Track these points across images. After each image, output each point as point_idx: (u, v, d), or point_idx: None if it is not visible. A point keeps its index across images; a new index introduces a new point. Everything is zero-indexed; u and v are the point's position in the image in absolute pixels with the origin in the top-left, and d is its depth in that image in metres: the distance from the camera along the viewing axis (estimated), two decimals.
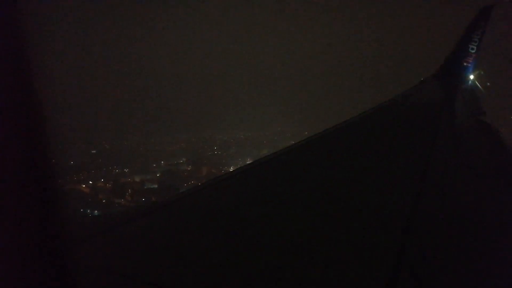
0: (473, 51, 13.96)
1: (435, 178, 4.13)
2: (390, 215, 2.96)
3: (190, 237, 2.63)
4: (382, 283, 2.02)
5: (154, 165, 79.63)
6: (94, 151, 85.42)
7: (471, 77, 14.22)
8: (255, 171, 4.42)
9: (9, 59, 0.84)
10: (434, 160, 4.85)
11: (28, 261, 0.86)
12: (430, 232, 2.74)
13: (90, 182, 68.38)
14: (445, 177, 4.24)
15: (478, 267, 2.41)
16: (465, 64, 14.07)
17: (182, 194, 4.09)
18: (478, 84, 14.08)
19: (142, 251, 2.45)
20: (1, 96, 0.83)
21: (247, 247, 2.44)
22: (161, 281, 2.05)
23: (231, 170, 4.50)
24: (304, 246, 2.45)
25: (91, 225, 3.23)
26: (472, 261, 2.47)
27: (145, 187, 65.02)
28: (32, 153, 0.88)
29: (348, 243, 2.50)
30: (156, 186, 64.81)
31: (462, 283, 2.21)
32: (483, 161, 5.58)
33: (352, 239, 2.55)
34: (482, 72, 14.47)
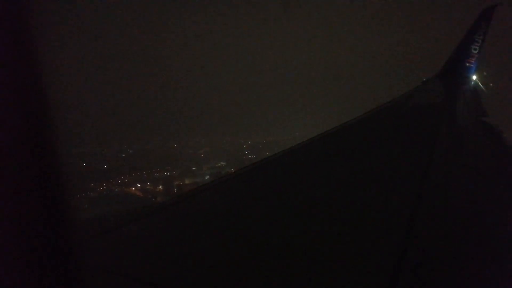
0: (476, 52, 13.94)
1: (437, 178, 4.13)
2: (391, 215, 2.97)
3: (192, 238, 2.64)
4: (384, 284, 2.03)
5: (194, 168, 78.84)
6: (124, 155, 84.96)
7: (474, 77, 14.20)
8: (257, 172, 4.43)
9: (16, 59, 0.85)
10: (435, 160, 4.84)
11: (32, 262, 0.86)
12: (432, 233, 2.74)
13: (138, 185, 67.66)
14: (446, 178, 4.23)
15: (479, 268, 2.41)
16: (467, 64, 14.04)
17: (184, 195, 4.10)
18: (481, 85, 14.06)
19: (143, 251, 2.46)
20: (10, 98, 0.84)
21: (247, 248, 2.45)
22: (162, 282, 2.06)
23: (233, 171, 4.51)
24: (305, 246, 2.45)
25: (92, 226, 3.24)
26: (474, 262, 2.47)
27: None
28: (38, 154, 0.89)
29: (349, 244, 2.50)
30: None
31: (464, 284, 2.21)
32: (485, 162, 5.57)
33: (353, 240, 2.55)
34: (484, 73, 14.45)
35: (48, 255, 0.89)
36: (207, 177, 71.71)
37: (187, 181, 69.78)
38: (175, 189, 63.98)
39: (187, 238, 2.63)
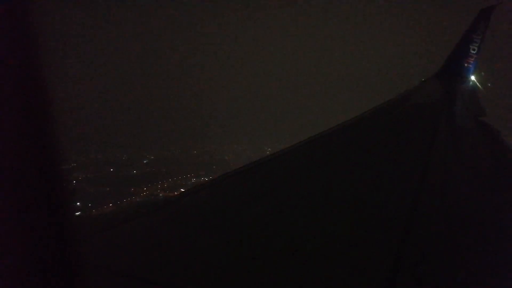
0: (474, 52, 13.96)
1: (435, 178, 4.14)
2: (389, 215, 2.97)
3: (191, 236, 2.64)
4: (382, 283, 2.03)
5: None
6: (146, 161, 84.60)
7: (472, 77, 14.23)
8: (256, 170, 4.43)
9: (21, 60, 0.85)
10: (434, 160, 4.85)
11: (33, 261, 0.86)
12: (430, 232, 2.75)
13: (182, 190, 65.94)
14: (445, 177, 4.25)
15: (477, 268, 2.42)
16: (466, 64, 14.07)
17: (183, 193, 4.10)
18: (479, 85, 14.09)
19: (143, 250, 2.46)
20: (13, 97, 0.85)
21: (247, 246, 2.45)
22: (161, 280, 2.06)
23: (232, 170, 4.51)
24: (303, 245, 2.46)
25: (91, 224, 3.24)
26: (472, 261, 2.48)
27: None
28: (38, 151, 0.89)
29: (347, 243, 2.51)
30: None
31: (462, 283, 2.22)
32: (483, 162, 5.58)
33: (351, 239, 2.56)
34: (482, 73, 14.49)
35: (49, 254, 0.89)
36: None
37: None
38: None
39: (187, 237, 2.63)
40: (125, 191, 58.51)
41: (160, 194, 62.40)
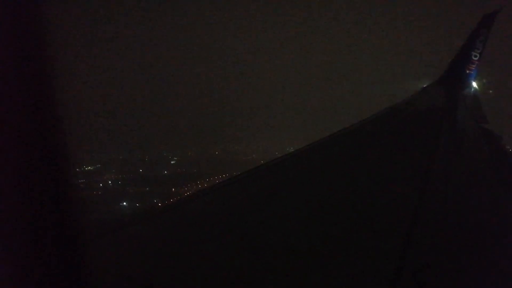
0: (476, 58, 13.96)
1: (437, 183, 4.15)
2: (392, 220, 2.98)
3: (192, 241, 2.65)
4: (384, 287, 2.04)
5: None
6: (173, 162, 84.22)
7: (474, 84, 14.22)
8: (260, 175, 4.44)
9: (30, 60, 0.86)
10: (436, 165, 4.86)
11: (39, 261, 0.87)
12: (432, 237, 2.76)
13: None
14: (447, 182, 4.25)
15: (479, 273, 2.43)
16: (467, 71, 14.06)
17: (184, 198, 4.10)
18: (480, 91, 14.09)
19: (143, 254, 2.47)
20: (19, 97, 0.85)
21: (249, 250, 2.46)
22: (162, 283, 2.06)
23: (234, 175, 4.51)
24: (306, 249, 2.47)
25: (93, 228, 3.24)
26: (474, 267, 2.49)
27: None
28: (47, 152, 0.90)
29: (350, 247, 2.52)
30: None
31: (463, 287, 2.22)
32: (485, 167, 5.59)
33: (354, 243, 2.57)
34: (484, 80, 14.49)
35: (55, 256, 0.90)
36: None
37: None
38: None
39: (187, 241, 2.64)
40: (165, 191, 57.97)
41: None
